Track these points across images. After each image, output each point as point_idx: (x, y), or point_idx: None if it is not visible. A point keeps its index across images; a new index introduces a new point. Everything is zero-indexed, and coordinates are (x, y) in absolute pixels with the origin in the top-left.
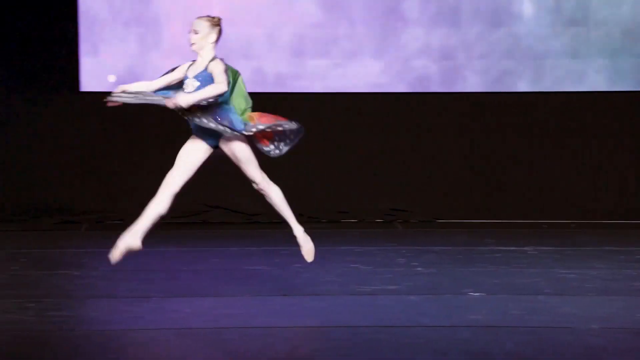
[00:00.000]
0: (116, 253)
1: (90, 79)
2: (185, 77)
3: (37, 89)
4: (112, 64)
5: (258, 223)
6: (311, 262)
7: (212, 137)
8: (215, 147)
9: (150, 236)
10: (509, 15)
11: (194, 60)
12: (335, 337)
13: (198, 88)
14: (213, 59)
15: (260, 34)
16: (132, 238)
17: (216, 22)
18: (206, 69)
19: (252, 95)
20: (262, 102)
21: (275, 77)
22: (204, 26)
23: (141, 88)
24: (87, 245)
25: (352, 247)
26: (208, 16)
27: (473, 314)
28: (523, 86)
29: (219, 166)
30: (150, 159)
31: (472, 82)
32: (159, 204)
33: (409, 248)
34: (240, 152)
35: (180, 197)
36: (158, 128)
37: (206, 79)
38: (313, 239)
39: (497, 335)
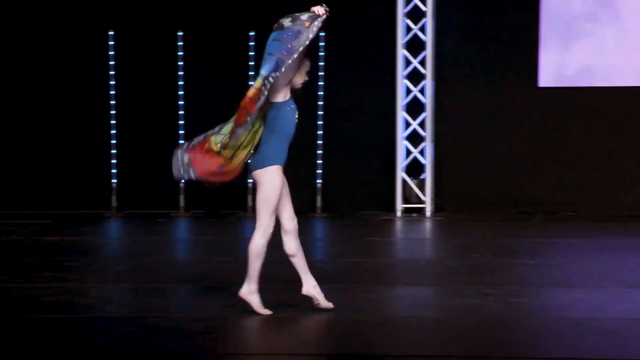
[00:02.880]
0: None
1: (548, 75)
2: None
3: (498, 84)
4: (570, 59)
5: None
6: None
7: None
8: None
9: (595, 229)
10: None
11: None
12: None
13: None
14: None
15: None
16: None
17: None
18: None
19: None
20: None
21: None
22: None
23: None
24: (541, 235)
25: None
26: None
27: None
28: None
29: None
30: (603, 153)
31: None
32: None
33: None
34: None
35: (636, 191)
36: (618, 124)
37: None
38: None
39: None
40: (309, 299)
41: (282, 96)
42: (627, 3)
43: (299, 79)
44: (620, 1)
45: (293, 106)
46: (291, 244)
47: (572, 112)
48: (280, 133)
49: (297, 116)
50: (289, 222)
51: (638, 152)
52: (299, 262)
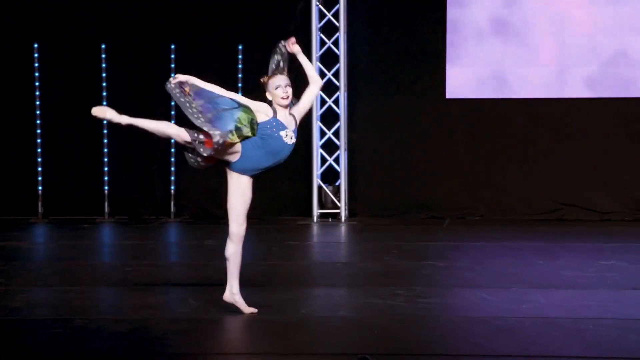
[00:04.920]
0: None
1: (455, 86)
2: (285, 127)
3: (408, 95)
4: (475, 72)
5: (610, 221)
6: None
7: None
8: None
9: (500, 233)
10: None
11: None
12: None
13: None
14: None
15: None
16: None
17: None
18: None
19: None
20: None
21: None
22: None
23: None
24: (451, 238)
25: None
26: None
27: None
28: None
29: (572, 166)
30: (507, 161)
31: None
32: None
33: None
34: None
35: (537, 196)
36: (521, 133)
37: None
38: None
39: None
40: (230, 305)
41: (263, 116)
42: (530, 16)
43: (275, 98)
44: (522, 15)
45: (275, 124)
46: (229, 247)
47: (478, 122)
48: (260, 146)
49: (284, 133)
50: None
51: (541, 160)
52: (231, 267)
